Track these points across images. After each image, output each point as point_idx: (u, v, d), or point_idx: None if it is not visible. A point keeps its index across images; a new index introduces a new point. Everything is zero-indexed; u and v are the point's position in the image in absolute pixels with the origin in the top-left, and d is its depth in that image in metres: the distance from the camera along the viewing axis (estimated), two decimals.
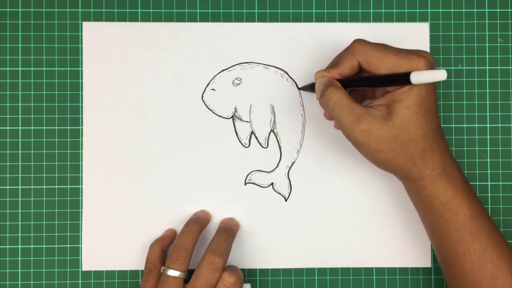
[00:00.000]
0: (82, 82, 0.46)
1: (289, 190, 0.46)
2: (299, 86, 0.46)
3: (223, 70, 0.47)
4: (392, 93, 0.38)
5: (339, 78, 0.40)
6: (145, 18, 0.47)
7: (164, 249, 0.44)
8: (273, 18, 0.47)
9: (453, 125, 0.47)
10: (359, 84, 0.40)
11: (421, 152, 0.38)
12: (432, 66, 0.37)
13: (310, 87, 0.44)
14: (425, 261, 0.46)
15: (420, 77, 0.35)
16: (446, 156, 0.39)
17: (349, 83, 0.40)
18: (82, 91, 0.46)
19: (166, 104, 0.46)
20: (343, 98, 0.38)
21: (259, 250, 0.46)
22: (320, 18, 0.47)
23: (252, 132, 0.47)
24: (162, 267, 0.42)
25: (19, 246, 0.46)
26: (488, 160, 0.47)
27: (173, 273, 0.41)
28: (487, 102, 0.47)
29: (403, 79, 0.36)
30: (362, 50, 0.38)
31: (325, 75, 0.40)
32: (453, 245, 0.39)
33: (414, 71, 0.36)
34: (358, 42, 0.39)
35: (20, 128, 0.46)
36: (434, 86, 0.38)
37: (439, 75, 0.35)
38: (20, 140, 0.46)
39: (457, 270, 0.39)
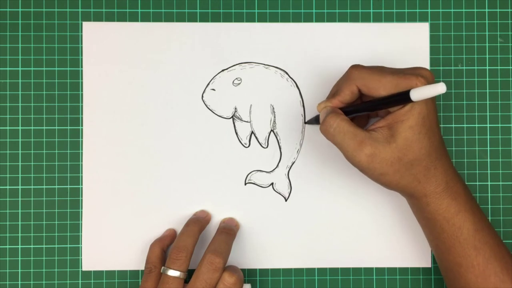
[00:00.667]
0: (82, 82, 0.46)
1: (289, 190, 0.46)
2: (305, 121, 0.46)
3: (223, 70, 0.47)
4: (394, 114, 0.37)
5: (342, 107, 0.40)
6: (145, 18, 0.47)
7: (164, 249, 0.44)
8: (273, 18, 0.47)
9: (453, 125, 0.47)
10: (361, 109, 0.40)
11: (425, 170, 0.38)
12: (431, 82, 0.37)
13: (315, 120, 0.44)
14: (425, 261, 0.46)
15: (420, 93, 0.35)
16: (449, 172, 0.39)
17: (350, 109, 0.40)
18: (82, 91, 0.46)
19: (166, 104, 0.46)
20: (343, 124, 0.38)
21: (259, 250, 0.46)
22: (320, 18, 0.47)
23: (252, 132, 0.47)
24: (162, 267, 0.42)
25: (19, 246, 0.46)
26: (488, 160, 0.47)
27: (173, 273, 0.41)
28: (487, 102, 0.47)
29: (403, 98, 0.36)
30: (359, 75, 0.38)
31: (327, 105, 0.40)
32: (457, 259, 0.39)
33: (413, 89, 0.35)
34: (355, 68, 0.39)
35: (20, 128, 0.46)
36: (434, 102, 0.38)
37: (439, 88, 0.34)
38: (20, 140, 0.46)
39: (462, 284, 0.40)
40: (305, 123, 0.46)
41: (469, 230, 0.39)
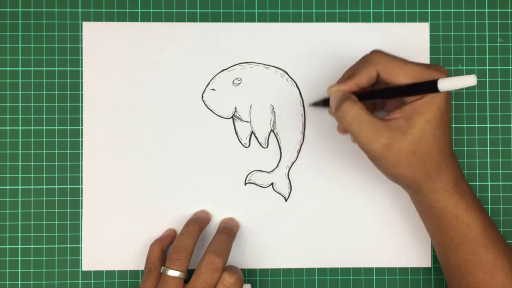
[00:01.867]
0: (82, 82, 0.46)
1: (289, 190, 0.46)
2: (310, 103, 0.45)
3: (223, 70, 0.47)
4: (411, 105, 0.37)
5: (355, 91, 0.38)
6: (145, 18, 0.47)
7: (164, 249, 0.44)
8: (273, 18, 0.47)
9: (453, 125, 0.47)
10: (378, 96, 0.39)
11: (437, 167, 0.38)
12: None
13: (323, 103, 0.42)
14: (425, 261, 0.46)
15: (448, 83, 0.34)
16: (458, 170, 0.39)
17: (366, 95, 0.38)
18: (82, 91, 0.46)
19: (166, 104, 0.46)
20: (361, 112, 0.37)
21: (259, 250, 0.46)
22: (320, 18, 0.47)
23: (252, 132, 0.47)
24: (162, 267, 0.41)
25: (19, 246, 0.46)
26: (488, 160, 0.47)
27: (173, 273, 0.41)
28: (487, 102, 0.47)
29: (430, 87, 0.35)
30: (381, 59, 0.37)
31: (340, 89, 0.38)
32: (466, 256, 0.39)
33: (441, 78, 0.35)
34: (377, 52, 0.38)
35: (20, 128, 0.46)
36: (450, 101, 0.38)
37: (470, 80, 0.33)
38: (20, 140, 0.46)
39: (469, 281, 0.40)
40: (311, 105, 0.46)
41: (478, 227, 0.39)
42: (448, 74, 0.37)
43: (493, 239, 0.39)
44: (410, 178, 0.38)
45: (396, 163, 0.37)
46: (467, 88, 0.47)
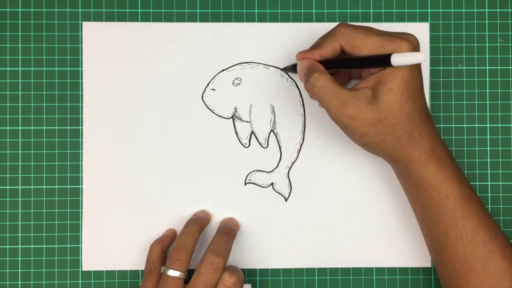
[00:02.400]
0: (82, 82, 0.46)
1: (289, 190, 0.46)
2: (281, 67, 0.46)
3: (223, 70, 0.47)
4: (376, 75, 0.38)
5: (320, 60, 0.40)
6: (145, 18, 0.47)
7: (164, 249, 0.44)
8: (273, 18, 0.47)
9: (453, 125, 0.47)
10: (341, 65, 0.40)
11: (408, 135, 0.38)
12: (416, 48, 0.38)
13: (292, 68, 0.44)
14: (425, 261, 0.46)
15: (400, 59, 0.36)
16: (434, 139, 0.39)
17: (331, 64, 0.40)
18: (82, 91, 0.46)
19: (166, 104, 0.46)
20: (328, 83, 0.38)
21: (259, 250, 0.46)
22: (320, 18, 0.47)
23: (252, 132, 0.47)
24: (162, 267, 0.41)
25: (19, 246, 0.46)
26: (488, 160, 0.47)
27: (173, 273, 0.41)
28: (487, 102, 0.47)
29: (384, 61, 0.36)
30: (345, 33, 0.38)
31: (306, 57, 0.40)
32: (445, 228, 0.39)
33: (395, 53, 0.36)
34: (342, 25, 0.39)
35: (20, 128, 0.46)
36: (419, 68, 0.38)
37: (419, 57, 0.35)
38: (20, 140, 0.46)
39: (449, 255, 0.39)
40: (281, 69, 0.46)
41: (456, 198, 0.39)
42: (415, 44, 0.37)
43: (472, 210, 0.39)
44: (382, 147, 0.39)
45: (364, 132, 0.38)
46: (467, 88, 0.47)
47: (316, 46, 0.40)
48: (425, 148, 0.38)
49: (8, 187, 0.46)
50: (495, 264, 0.38)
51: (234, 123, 0.47)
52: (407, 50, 0.36)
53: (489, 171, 0.47)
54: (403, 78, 0.37)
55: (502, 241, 0.39)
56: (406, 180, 0.41)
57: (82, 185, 0.46)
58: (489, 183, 0.47)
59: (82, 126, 0.46)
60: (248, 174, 0.46)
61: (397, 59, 0.36)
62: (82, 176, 0.46)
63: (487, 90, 0.47)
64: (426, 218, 0.40)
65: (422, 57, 0.35)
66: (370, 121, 0.37)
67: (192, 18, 0.47)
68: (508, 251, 0.39)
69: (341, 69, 0.41)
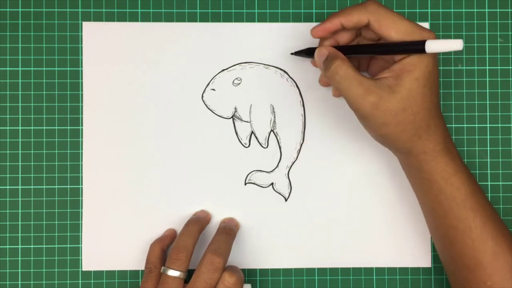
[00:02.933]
0: (82, 82, 0.46)
1: (289, 190, 0.46)
2: (292, 52, 0.45)
3: (223, 70, 0.47)
4: (400, 63, 0.37)
5: (340, 45, 0.39)
6: (145, 18, 0.47)
7: (164, 249, 0.44)
8: (273, 18, 0.47)
9: (453, 125, 0.47)
10: (365, 50, 0.39)
11: (426, 126, 0.38)
12: None
13: (306, 53, 0.43)
14: (425, 261, 0.46)
15: (435, 45, 0.35)
16: (446, 132, 0.40)
17: (353, 49, 0.39)
18: (82, 91, 0.46)
19: (166, 104, 0.46)
20: (350, 71, 0.37)
21: (259, 250, 0.46)
22: (320, 18, 0.47)
23: (252, 132, 0.47)
24: (162, 267, 0.41)
25: (19, 246, 0.46)
26: (488, 160, 0.47)
27: (173, 273, 0.41)
28: (487, 102, 0.47)
29: (417, 47, 0.36)
30: (377, 10, 0.38)
31: (326, 28, 0.39)
32: (454, 221, 0.39)
33: (429, 39, 0.36)
34: (374, 1, 0.38)
35: (20, 128, 0.46)
36: (437, 61, 0.38)
37: (456, 44, 0.35)
38: (20, 140, 0.46)
39: (458, 249, 0.39)
40: (292, 54, 0.45)
41: (467, 191, 0.39)
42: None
43: (481, 204, 0.39)
44: (400, 139, 0.39)
45: (385, 122, 0.38)
46: (467, 88, 0.47)
47: (341, 13, 0.39)
48: (440, 140, 0.39)
49: (8, 187, 0.46)
50: (503, 258, 0.38)
51: (234, 123, 0.47)
52: (435, 39, 0.36)
53: (489, 171, 0.47)
54: (427, 68, 0.37)
55: (510, 237, 0.39)
56: (417, 173, 0.40)
57: (82, 185, 0.46)
58: (489, 183, 0.47)
59: (82, 126, 0.46)
60: (248, 174, 0.46)
61: (432, 46, 0.35)
62: (82, 176, 0.46)
63: (487, 90, 0.47)
64: (435, 211, 0.40)
65: (460, 45, 0.35)
66: (392, 111, 0.37)
67: (192, 18, 0.47)
68: None
69: (365, 55, 0.40)
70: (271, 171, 0.46)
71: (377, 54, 0.40)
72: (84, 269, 0.46)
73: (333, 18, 0.39)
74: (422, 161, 0.39)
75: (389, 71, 0.38)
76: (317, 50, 0.40)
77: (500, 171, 0.47)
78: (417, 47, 0.36)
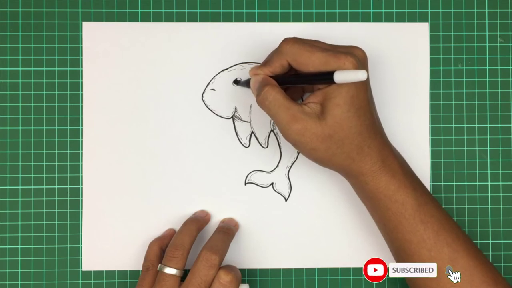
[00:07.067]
0: (82, 82, 0.46)
1: (289, 190, 0.46)
2: (233, 82, 0.46)
3: (223, 70, 0.47)
4: (323, 91, 0.38)
5: (272, 76, 0.40)
6: (145, 18, 0.47)
7: (163, 248, 0.44)
8: (273, 18, 0.47)
9: (453, 125, 0.47)
10: (291, 81, 0.40)
11: (358, 149, 0.38)
12: (361, 63, 0.38)
13: (246, 83, 0.44)
14: None
15: (342, 76, 0.35)
16: (384, 150, 0.39)
17: (282, 79, 0.40)
18: (82, 91, 0.46)
19: (166, 104, 0.46)
20: (278, 97, 0.38)
21: (259, 250, 0.46)
22: (320, 18, 0.47)
23: (252, 132, 0.47)
24: (159, 265, 0.42)
25: (19, 246, 0.46)
26: (488, 160, 0.47)
27: (169, 270, 0.41)
28: (487, 102, 0.47)
29: (327, 77, 0.36)
30: (290, 50, 0.38)
31: (258, 73, 0.40)
32: (406, 235, 0.39)
33: (338, 70, 0.36)
34: (287, 42, 0.39)
35: (20, 128, 0.46)
36: (364, 83, 0.38)
37: (359, 75, 0.34)
38: (20, 140, 0.46)
39: (415, 261, 0.40)
40: (234, 83, 0.46)
41: (413, 205, 0.39)
42: (362, 59, 0.38)
43: (430, 214, 0.39)
44: (333, 162, 0.39)
45: (313, 147, 0.38)
46: (467, 88, 0.47)
47: (265, 63, 0.40)
48: (375, 160, 0.39)
49: (8, 187, 0.46)
50: (462, 262, 0.39)
51: (234, 123, 0.47)
52: (351, 66, 0.36)
53: (489, 171, 0.47)
54: (348, 93, 0.37)
55: (465, 240, 0.40)
56: (361, 192, 0.41)
57: (82, 185, 0.46)
58: (489, 183, 0.47)
59: (82, 126, 0.46)
60: (248, 174, 0.46)
61: (339, 77, 0.35)
62: (82, 176, 0.46)
63: (487, 90, 0.47)
64: (386, 227, 0.40)
65: (363, 75, 0.34)
66: (319, 137, 0.38)
67: (192, 18, 0.47)
68: (472, 249, 0.40)
69: (292, 85, 0.41)
70: (271, 171, 0.46)
71: (300, 84, 0.40)
72: (84, 269, 0.46)
73: (262, 68, 0.40)
74: (362, 182, 0.40)
75: (314, 97, 0.38)
76: (251, 78, 0.41)
77: (500, 171, 0.47)
78: (327, 77, 0.36)
